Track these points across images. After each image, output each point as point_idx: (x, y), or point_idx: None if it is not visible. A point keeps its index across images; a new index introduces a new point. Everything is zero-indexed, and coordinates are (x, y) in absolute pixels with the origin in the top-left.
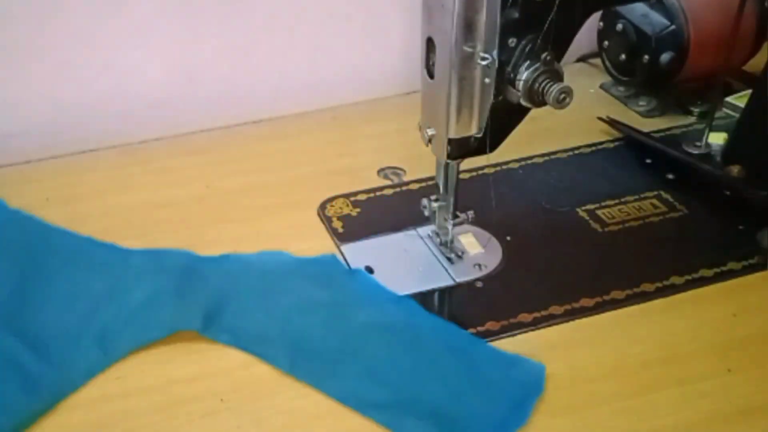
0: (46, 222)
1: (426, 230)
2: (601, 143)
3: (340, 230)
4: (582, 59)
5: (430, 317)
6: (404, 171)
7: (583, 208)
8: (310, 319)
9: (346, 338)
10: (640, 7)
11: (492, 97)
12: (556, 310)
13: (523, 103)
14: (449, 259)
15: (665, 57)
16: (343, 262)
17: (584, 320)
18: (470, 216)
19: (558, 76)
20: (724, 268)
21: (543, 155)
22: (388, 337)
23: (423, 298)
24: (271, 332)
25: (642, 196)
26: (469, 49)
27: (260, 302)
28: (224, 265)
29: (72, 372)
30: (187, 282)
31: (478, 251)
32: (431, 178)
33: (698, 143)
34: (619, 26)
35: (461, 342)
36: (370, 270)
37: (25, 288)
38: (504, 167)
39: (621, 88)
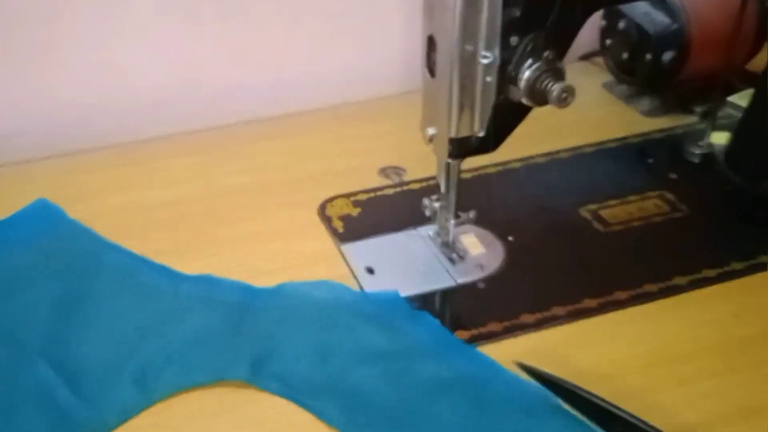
0: (101, 236)
1: (427, 230)
2: (603, 143)
3: (341, 230)
4: (584, 58)
5: (501, 371)
6: (405, 170)
7: (586, 208)
8: (368, 370)
9: (407, 396)
10: (642, 6)
11: (493, 96)
12: (558, 310)
13: (525, 102)
14: (451, 260)
15: (667, 56)
16: (406, 302)
17: (587, 321)
18: (472, 216)
19: (560, 75)
20: (727, 269)
21: (545, 155)
22: (455, 396)
23: (424, 300)
24: (325, 383)
25: (645, 196)
26: (471, 48)
27: (314, 347)
28: (278, 299)
29: (106, 412)
30: (237, 319)
31: (479, 251)
32: (432, 178)
33: (700, 143)
34: (621, 25)
35: (536, 404)
36: (370, 271)
37: (68, 308)
38: (506, 167)
39: (623, 87)
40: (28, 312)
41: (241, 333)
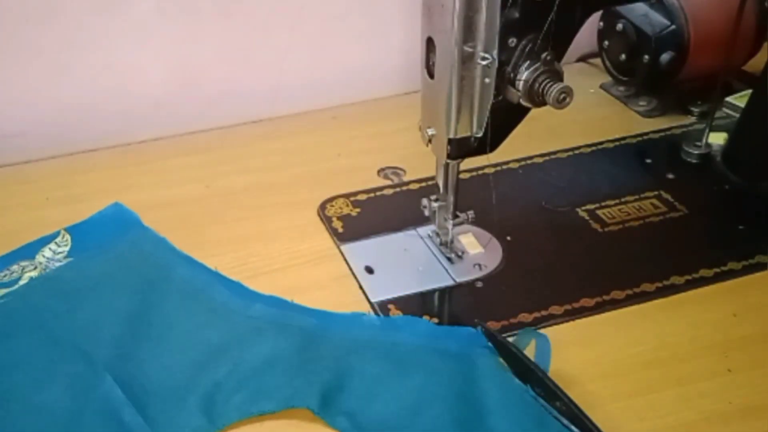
0: (175, 246)
1: (426, 230)
2: (601, 143)
3: (340, 230)
4: (582, 59)
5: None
6: (404, 171)
7: (583, 208)
8: (441, 412)
9: None
10: (641, 7)
11: (492, 97)
12: (556, 310)
13: (523, 103)
14: (449, 259)
15: (665, 57)
16: (485, 338)
17: (584, 320)
18: (470, 216)
19: (558, 76)
20: (724, 268)
21: (543, 155)
22: None
23: (423, 298)
24: (396, 424)
25: (642, 196)
26: (469, 49)
27: (387, 384)
28: (353, 330)
29: None
30: (310, 346)
31: (478, 251)
32: (431, 178)
33: (698, 143)
34: (620, 26)
35: None
36: (370, 270)
37: (138, 322)
38: (504, 167)
39: (621, 88)
40: (98, 323)
41: (314, 360)
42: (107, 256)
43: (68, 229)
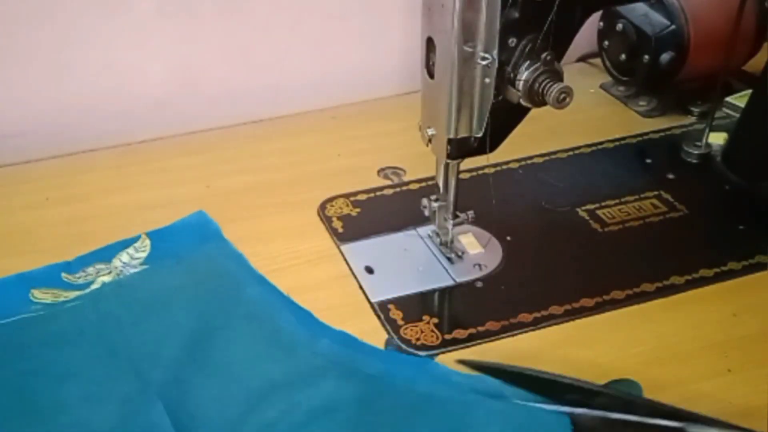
0: (249, 263)
1: (426, 230)
2: (601, 143)
3: (340, 230)
4: (582, 59)
5: None
6: (404, 171)
7: (583, 208)
8: None
9: None
10: (640, 7)
11: (492, 97)
12: (556, 310)
13: (523, 103)
14: (449, 259)
15: (665, 57)
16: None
17: (584, 320)
18: (470, 216)
19: (558, 76)
20: (724, 268)
21: (543, 155)
22: None
23: (423, 298)
24: None
25: (642, 196)
26: (469, 49)
27: None
28: (420, 382)
29: None
30: (373, 397)
31: (478, 251)
32: (431, 178)
33: (698, 143)
34: (619, 26)
35: None
36: (370, 270)
37: (198, 344)
38: (504, 167)
39: (621, 88)
40: (159, 342)
41: (375, 413)
42: (181, 267)
43: (149, 234)
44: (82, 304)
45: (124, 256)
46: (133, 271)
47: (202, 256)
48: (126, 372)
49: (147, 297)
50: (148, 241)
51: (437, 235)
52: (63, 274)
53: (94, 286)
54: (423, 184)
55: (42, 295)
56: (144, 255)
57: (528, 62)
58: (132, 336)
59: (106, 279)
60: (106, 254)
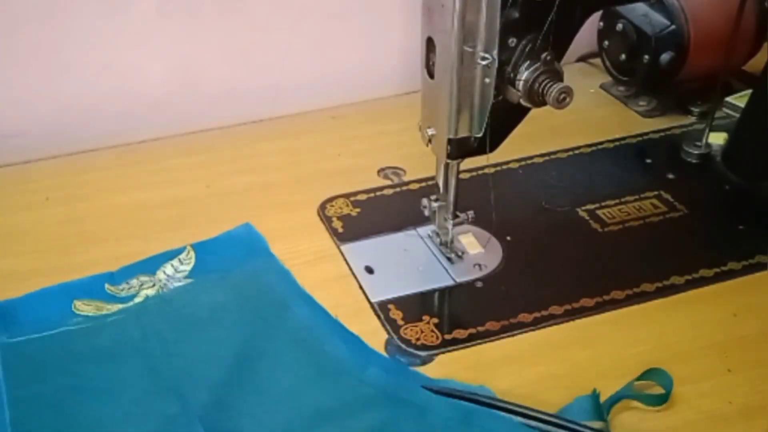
0: (296, 280)
1: (426, 230)
2: (600, 143)
3: (341, 230)
4: (582, 59)
5: None
6: (404, 171)
7: (583, 208)
8: None
9: None
10: (640, 7)
11: (492, 97)
12: (556, 310)
13: (523, 103)
14: (449, 259)
15: (665, 57)
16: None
17: (584, 320)
18: (470, 216)
19: (558, 76)
20: (724, 268)
21: (543, 155)
22: None
23: (423, 298)
24: None
25: (642, 196)
26: (469, 49)
27: None
28: (470, 415)
29: None
30: (418, 426)
31: (478, 251)
32: (431, 178)
33: (698, 143)
34: (619, 26)
35: None
36: (370, 270)
37: (242, 367)
38: (504, 167)
39: (621, 88)
40: (202, 362)
41: None
42: (226, 283)
43: (194, 246)
44: (124, 319)
45: (168, 269)
46: (177, 284)
47: (248, 272)
48: (167, 392)
49: (191, 313)
50: (192, 254)
51: (437, 235)
52: (106, 285)
53: (137, 300)
54: (423, 184)
55: (84, 307)
56: (188, 268)
57: (528, 62)
58: (174, 354)
59: (150, 292)
60: (149, 266)
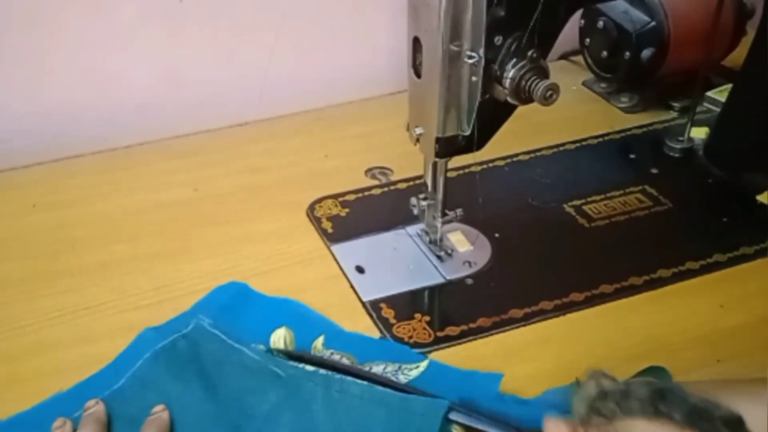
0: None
1: (415, 229)
2: (584, 140)
3: (330, 230)
4: (564, 57)
5: None
6: (392, 171)
7: (570, 203)
8: None
9: None
10: (621, 5)
11: (479, 95)
12: (546, 305)
13: (510, 100)
14: (439, 257)
15: (646, 53)
16: None
17: (574, 314)
18: (459, 214)
19: (544, 73)
20: (709, 260)
21: (528, 152)
22: None
23: (414, 297)
24: None
25: (627, 191)
26: (456, 48)
27: None
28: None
29: None
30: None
31: (467, 249)
32: (419, 177)
33: (680, 138)
34: (601, 23)
35: None
36: (360, 270)
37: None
38: (491, 165)
39: (603, 85)
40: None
41: None
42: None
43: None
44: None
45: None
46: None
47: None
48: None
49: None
50: None
51: (426, 233)
52: None
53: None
54: (410, 183)
55: None
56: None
57: (514, 60)
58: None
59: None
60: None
